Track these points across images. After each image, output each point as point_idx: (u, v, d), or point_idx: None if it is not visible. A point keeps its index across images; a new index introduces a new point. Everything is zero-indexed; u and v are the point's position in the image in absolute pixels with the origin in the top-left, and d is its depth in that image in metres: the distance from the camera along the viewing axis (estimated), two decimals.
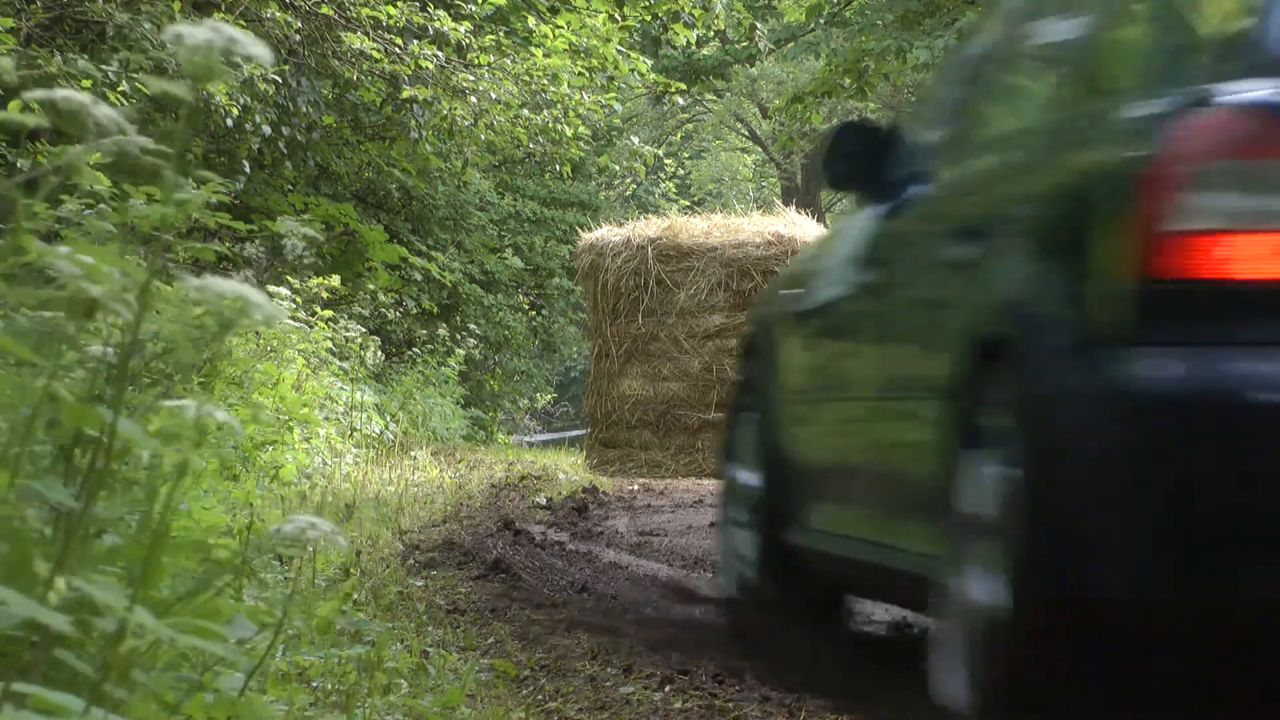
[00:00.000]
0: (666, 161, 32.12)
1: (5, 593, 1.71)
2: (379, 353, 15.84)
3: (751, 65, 22.26)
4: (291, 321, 10.05)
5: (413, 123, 14.07)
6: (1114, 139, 3.64)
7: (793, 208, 14.73)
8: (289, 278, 13.09)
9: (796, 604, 5.11)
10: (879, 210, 4.72)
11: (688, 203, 33.88)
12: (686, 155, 37.06)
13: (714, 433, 12.19)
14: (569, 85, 14.43)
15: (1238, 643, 3.37)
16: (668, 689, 4.27)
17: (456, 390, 18.92)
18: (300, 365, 10.73)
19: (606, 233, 13.56)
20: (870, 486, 4.54)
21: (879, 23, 18.26)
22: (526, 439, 25.60)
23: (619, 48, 15.42)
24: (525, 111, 14.32)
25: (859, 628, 5.38)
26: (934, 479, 3.85)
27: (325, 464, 9.79)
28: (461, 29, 13.33)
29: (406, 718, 3.54)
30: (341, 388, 12.08)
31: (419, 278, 17.97)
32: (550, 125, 14.63)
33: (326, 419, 10.90)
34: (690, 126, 35.22)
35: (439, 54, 13.30)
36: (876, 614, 5.39)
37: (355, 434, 11.83)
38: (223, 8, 11.60)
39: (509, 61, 14.02)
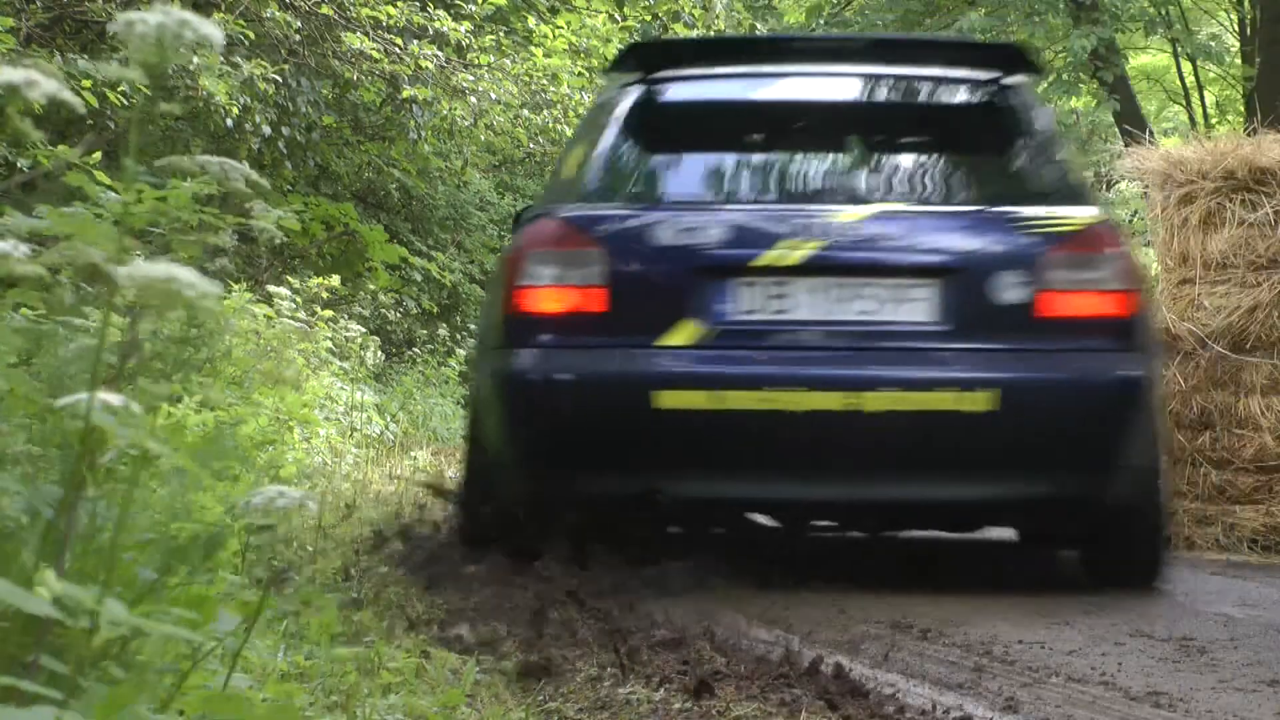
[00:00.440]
0: None
1: None
2: (379, 353, 15.82)
3: None
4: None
5: (412, 123, 14.06)
6: (516, 234, 6.45)
7: None
8: (289, 278, 13.07)
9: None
10: None
11: None
12: None
13: None
14: (569, 85, 14.42)
15: (573, 504, 5.94)
16: (668, 689, 4.26)
17: (457, 390, 18.91)
18: (300, 365, 10.72)
19: None
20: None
21: (879, 23, 18.24)
22: None
23: (619, 47, 15.42)
24: (525, 112, 14.32)
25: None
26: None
27: (326, 464, 9.78)
28: (461, 29, 13.32)
29: (406, 718, 3.54)
30: (341, 388, 12.07)
31: (419, 278, 17.96)
32: (550, 125, 14.62)
33: (326, 419, 10.89)
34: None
35: (439, 54, 13.29)
36: None
37: (355, 434, 11.81)
38: (223, 8, 11.59)
39: (509, 62, 14.01)
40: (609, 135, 6.44)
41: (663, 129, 6.58)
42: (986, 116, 6.46)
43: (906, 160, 6.51)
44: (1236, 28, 19.42)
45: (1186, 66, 19.41)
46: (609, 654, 4.73)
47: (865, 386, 5.73)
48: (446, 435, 16.62)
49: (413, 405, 16.40)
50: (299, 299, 11.84)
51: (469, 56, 13.94)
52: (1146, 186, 8.33)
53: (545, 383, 5.92)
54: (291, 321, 11.01)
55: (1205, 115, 19.50)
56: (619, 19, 15.72)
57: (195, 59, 11.05)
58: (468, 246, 20.77)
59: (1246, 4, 18.11)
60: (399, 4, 12.93)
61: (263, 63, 11.72)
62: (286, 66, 12.39)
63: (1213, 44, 19.65)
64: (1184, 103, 20.16)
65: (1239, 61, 18.52)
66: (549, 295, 5.95)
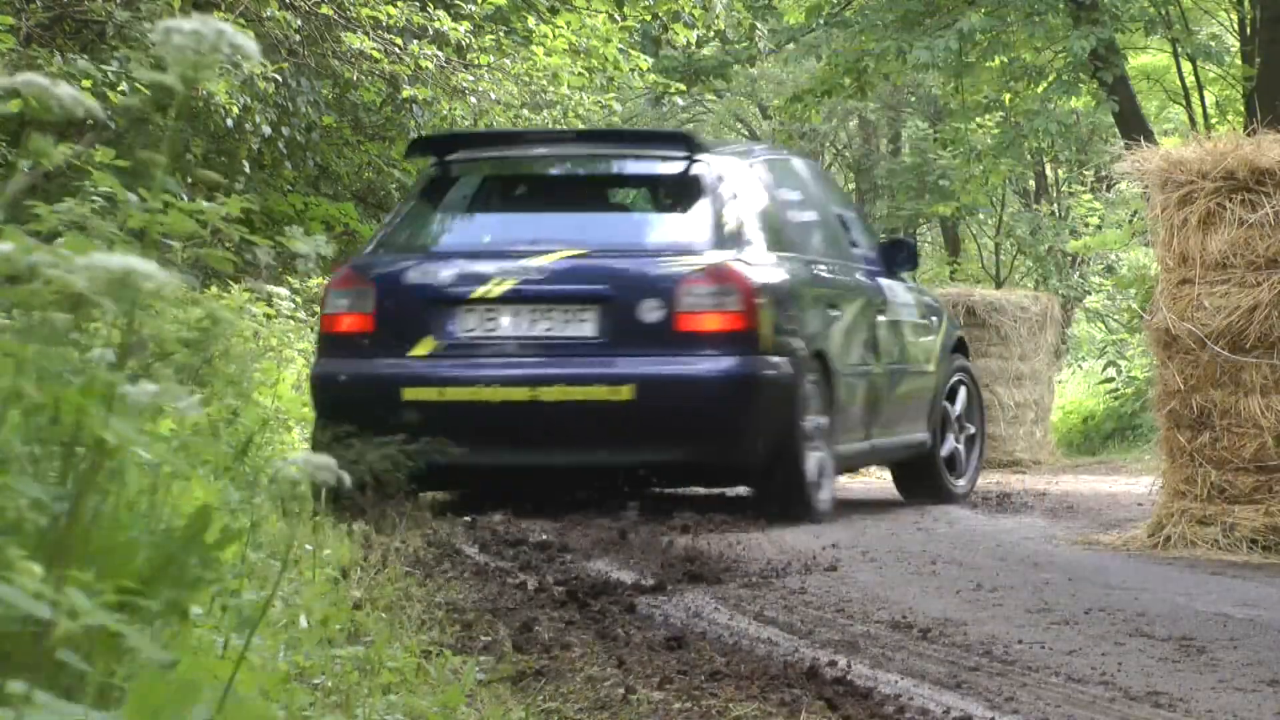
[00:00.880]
0: None
1: None
2: None
3: (751, 65, 22.23)
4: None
5: (412, 123, 14.05)
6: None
7: None
8: (289, 278, 13.07)
9: None
10: None
11: None
12: None
13: None
14: (569, 85, 14.42)
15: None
16: (668, 689, 4.26)
17: None
18: (301, 365, 10.72)
19: None
20: None
21: (879, 23, 18.24)
22: None
23: (619, 47, 15.41)
24: (525, 112, 14.32)
25: None
26: None
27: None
28: (461, 29, 13.31)
29: (406, 718, 3.54)
30: None
31: None
32: (551, 127, 14.61)
33: None
34: (690, 127, 35.19)
35: (439, 53, 13.29)
36: None
37: None
38: (222, 7, 11.59)
39: (509, 61, 14.01)
40: (405, 204, 9.07)
41: (439, 197, 8.96)
42: (662, 185, 8.86)
43: (596, 218, 8.88)
44: (1236, 28, 19.42)
45: (1186, 66, 19.40)
46: (608, 654, 4.73)
47: (542, 383, 7.99)
48: None
49: None
50: (299, 299, 11.84)
51: (469, 57, 13.93)
52: (1146, 187, 8.34)
53: (333, 381, 8.29)
54: (291, 320, 11.02)
55: (1205, 115, 19.50)
56: (619, 19, 15.71)
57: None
58: None
59: (1246, 4, 18.11)
60: (399, 4, 12.93)
61: (262, 61, 11.71)
62: (286, 66, 12.38)
63: (1213, 44, 19.64)
64: (1184, 103, 20.16)
65: (1239, 61, 18.52)
66: (339, 320, 8.34)
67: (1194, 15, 20.02)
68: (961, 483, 10.18)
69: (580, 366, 8.03)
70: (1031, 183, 26.67)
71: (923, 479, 9.97)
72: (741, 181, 8.66)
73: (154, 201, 2.01)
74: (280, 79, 12.05)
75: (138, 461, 1.99)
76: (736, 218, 8.43)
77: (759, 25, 19.37)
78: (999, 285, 24.30)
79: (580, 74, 14.65)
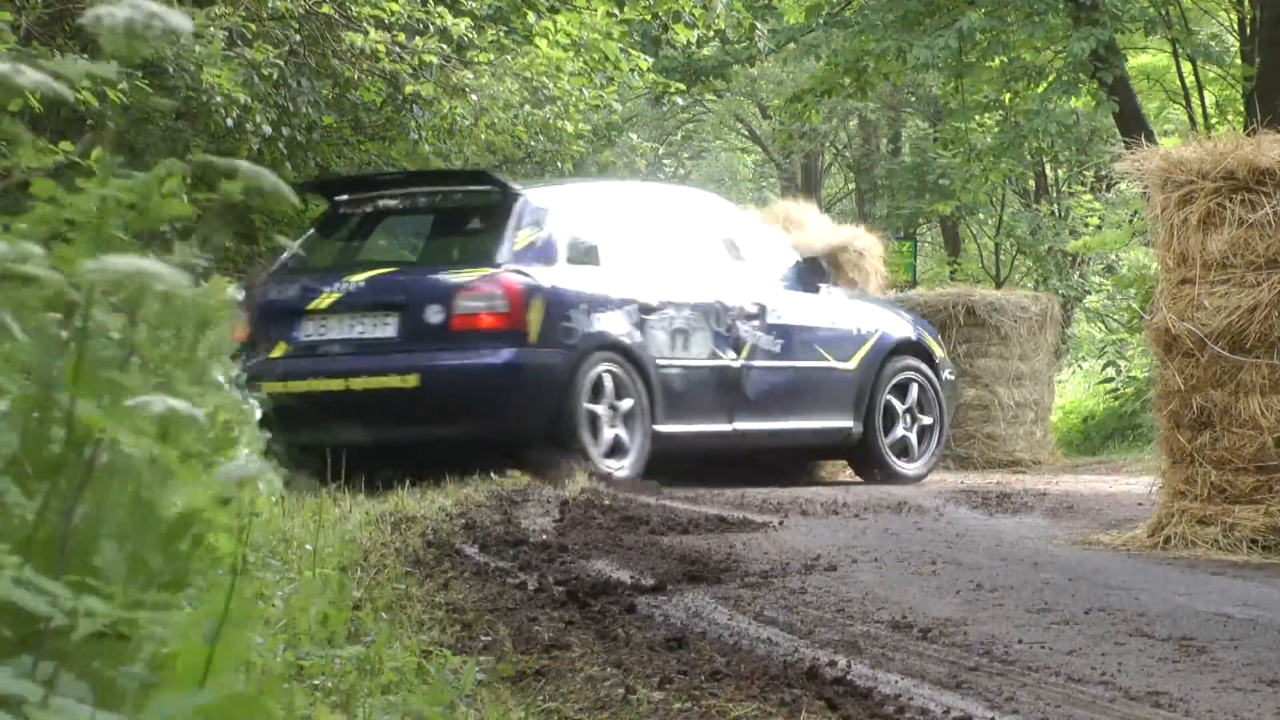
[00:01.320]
0: (666, 162, 32.10)
1: None
2: None
3: (751, 65, 22.23)
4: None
5: (413, 123, 14.05)
6: None
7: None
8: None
9: None
10: None
11: None
12: (686, 155, 37.03)
13: None
14: (569, 82, 14.42)
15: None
16: (668, 689, 4.26)
17: None
18: None
19: None
20: None
21: (879, 23, 18.23)
22: None
23: (620, 45, 15.41)
24: (527, 108, 14.33)
25: None
26: None
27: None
28: (463, 25, 13.31)
29: (406, 718, 3.54)
30: None
31: None
32: (552, 122, 14.63)
33: None
34: (690, 126, 35.18)
35: (444, 46, 13.31)
36: None
37: None
38: (222, 3, 11.59)
39: (509, 58, 14.02)
40: (305, 235, 10.97)
41: (322, 229, 10.95)
42: (475, 214, 10.61)
43: (417, 242, 11.06)
44: (1236, 28, 19.42)
45: (1186, 66, 19.40)
46: (608, 654, 4.73)
47: (352, 375, 9.76)
48: None
49: None
50: None
51: (469, 54, 13.93)
52: (1146, 187, 8.33)
53: None
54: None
55: (1205, 115, 19.50)
56: (618, 14, 15.71)
57: (198, 48, 11.04)
58: None
59: (1246, 4, 18.10)
60: (400, 1, 12.93)
61: (266, 46, 11.70)
62: (286, 65, 12.38)
63: (1213, 45, 19.63)
64: (1184, 103, 20.16)
65: (1239, 61, 18.51)
66: (233, 330, 10.63)
67: (1194, 15, 20.01)
68: (913, 467, 11.94)
69: (380, 361, 9.88)
70: (1031, 183, 26.66)
71: (871, 463, 11.83)
72: (545, 211, 10.44)
73: (102, 186, 2.00)
74: (281, 67, 12.05)
75: (134, 459, 1.99)
76: (529, 239, 10.24)
77: (759, 25, 19.36)
78: (999, 285, 24.30)
79: (581, 71, 14.65)
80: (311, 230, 11.11)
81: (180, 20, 1.90)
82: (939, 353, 12.31)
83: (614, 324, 10.31)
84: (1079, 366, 23.57)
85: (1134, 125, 17.14)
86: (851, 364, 11.64)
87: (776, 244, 11.96)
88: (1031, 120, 18.08)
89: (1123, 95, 17.84)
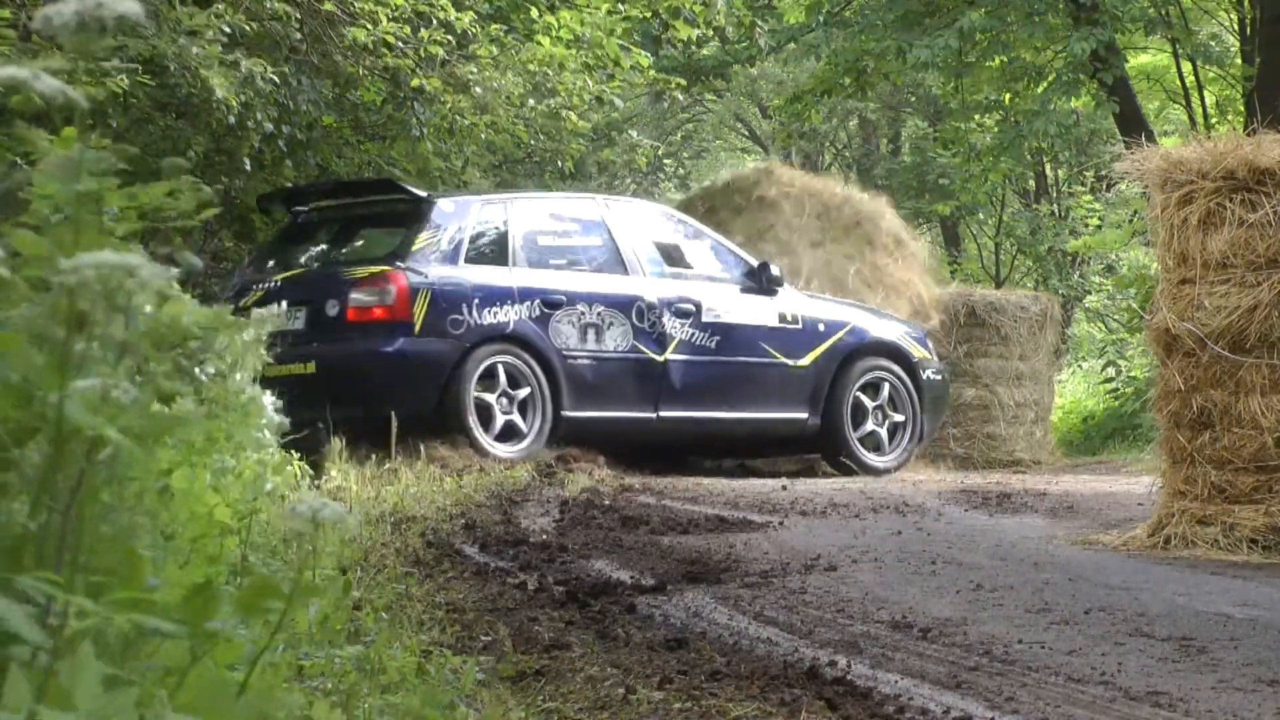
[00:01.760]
0: (666, 161, 32.09)
1: None
2: None
3: (751, 65, 22.22)
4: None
5: (414, 120, 14.05)
6: None
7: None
8: None
9: None
10: None
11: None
12: (687, 155, 37.03)
13: None
14: (571, 77, 14.43)
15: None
16: (668, 689, 4.26)
17: None
18: None
19: None
20: None
21: (879, 22, 18.23)
22: None
23: (620, 43, 15.40)
24: (530, 101, 14.34)
25: None
26: None
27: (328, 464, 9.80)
28: (466, 19, 13.32)
29: (406, 717, 3.53)
30: None
31: None
32: (555, 112, 14.64)
33: None
34: (690, 126, 35.18)
35: (450, 39, 13.31)
36: None
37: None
38: (221, 2, 11.58)
39: (512, 52, 14.02)
40: (268, 240, 12.43)
41: (281, 236, 12.16)
42: (389, 220, 11.68)
43: (334, 246, 11.82)
44: (1236, 28, 19.41)
45: (1186, 66, 19.38)
46: (608, 654, 4.73)
47: (266, 363, 11.05)
48: None
49: None
50: None
51: (471, 48, 13.93)
52: (1146, 187, 8.33)
53: None
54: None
55: (1205, 115, 19.48)
56: (621, 11, 15.71)
57: (195, 49, 11.03)
58: None
59: (1246, 4, 18.09)
60: None
61: (261, 60, 11.71)
62: (287, 69, 12.38)
63: (1213, 45, 19.61)
64: (1184, 103, 20.15)
65: (1239, 61, 18.50)
66: None
67: (1194, 15, 20.00)
68: (882, 460, 12.76)
69: (288, 351, 10.30)
70: (1031, 183, 26.65)
71: (840, 455, 12.69)
72: (451, 216, 11.50)
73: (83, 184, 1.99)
74: (277, 82, 12.05)
75: (138, 463, 1.99)
76: (428, 241, 11.28)
77: (759, 24, 19.35)
78: (999, 285, 24.30)
79: (583, 67, 14.65)
80: (275, 235, 12.47)
81: (129, 5, 1.89)
82: (918, 354, 13.13)
83: (510, 317, 11.34)
84: (1079, 366, 23.56)
85: (1134, 125, 17.13)
86: (804, 361, 12.60)
87: (729, 250, 12.91)
88: (1032, 122, 18.08)
89: (1123, 95, 17.84)
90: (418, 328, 10.99)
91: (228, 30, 11.40)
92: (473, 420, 11.05)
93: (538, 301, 11.53)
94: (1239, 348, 7.94)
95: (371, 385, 10.72)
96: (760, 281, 12.62)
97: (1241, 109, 18.82)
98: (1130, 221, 23.39)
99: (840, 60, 18.62)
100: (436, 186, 19.26)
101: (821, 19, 18.92)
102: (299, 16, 12.39)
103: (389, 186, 12.16)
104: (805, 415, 12.60)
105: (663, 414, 12.04)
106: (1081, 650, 5.00)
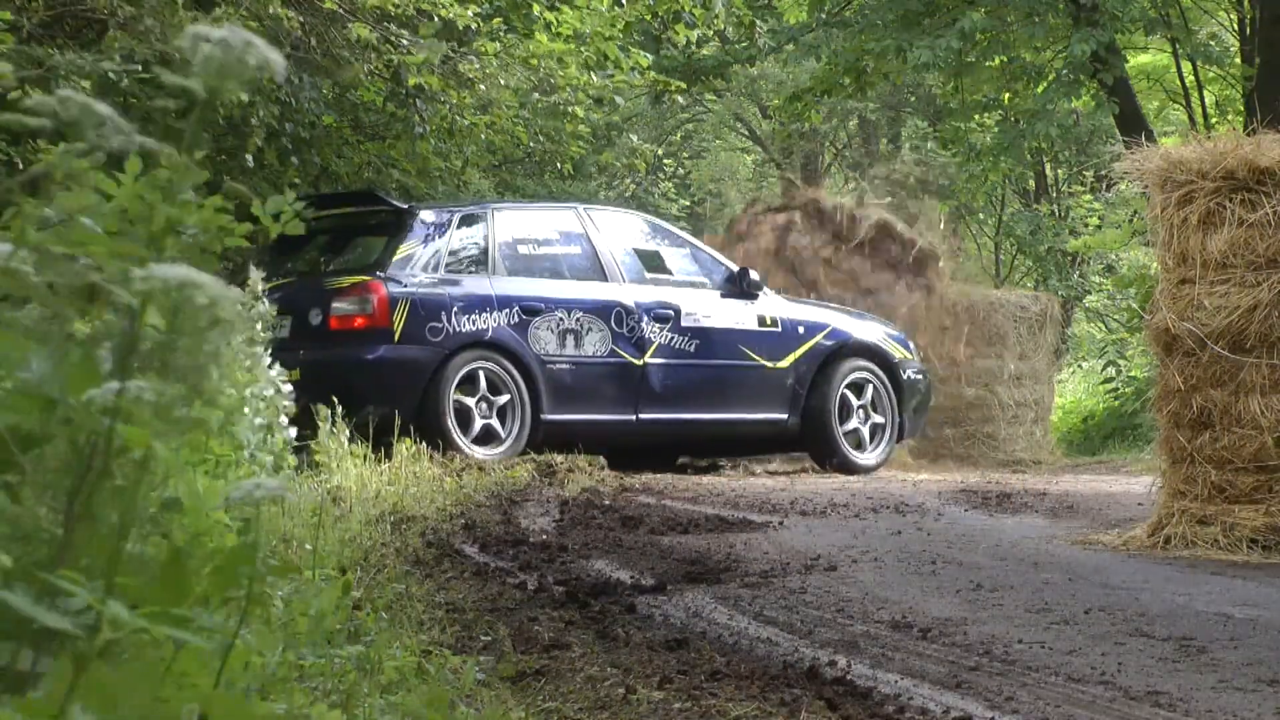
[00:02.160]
0: (666, 161, 32.12)
1: (6, 594, 1.70)
2: None
3: (751, 65, 22.22)
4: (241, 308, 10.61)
5: (416, 117, 14.06)
6: None
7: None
8: None
9: None
10: None
11: (687, 202, 33.84)
12: (686, 155, 37.03)
13: None
14: (574, 68, 14.44)
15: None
16: (668, 689, 4.26)
17: None
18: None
19: None
20: None
21: (879, 22, 18.22)
22: None
23: (620, 45, 15.40)
24: (535, 95, 14.35)
25: None
26: None
27: (326, 462, 9.79)
28: (469, 13, 13.32)
29: (406, 717, 3.54)
30: None
31: None
32: (557, 108, 14.64)
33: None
34: (690, 126, 35.17)
35: (453, 47, 13.31)
36: None
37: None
38: (222, 4, 11.58)
39: (513, 50, 14.03)
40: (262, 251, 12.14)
41: (275, 245, 11.60)
42: (372, 230, 11.97)
43: (320, 254, 12.04)
44: (1236, 28, 19.40)
45: (1186, 66, 19.38)
46: (608, 654, 4.73)
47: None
48: None
49: None
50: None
51: (475, 44, 13.93)
52: (1146, 186, 8.33)
53: None
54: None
55: (1205, 115, 19.48)
56: (622, 5, 15.70)
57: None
58: None
59: (1246, 4, 18.09)
60: None
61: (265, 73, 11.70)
62: (289, 67, 12.38)
63: (1213, 45, 19.59)
64: (1184, 103, 20.14)
65: (1239, 61, 18.50)
66: None
67: (1194, 15, 20.00)
68: (866, 457, 13.12)
69: (283, 357, 10.61)
70: (1031, 183, 26.65)
71: (826, 452, 13.01)
72: (433, 226, 11.83)
73: (131, 190, 1.99)
74: (278, 85, 12.07)
75: (154, 465, 1.99)
76: (410, 251, 11.63)
77: (759, 24, 19.35)
78: (999, 285, 24.30)
79: (583, 64, 14.66)
80: (265, 247, 12.78)
81: (274, 55, 1.90)
82: (898, 355, 13.50)
83: (489, 325, 11.69)
84: (1079, 366, 23.56)
85: (1134, 125, 17.12)
86: (784, 363, 12.97)
87: (709, 256, 13.29)
88: (1033, 123, 18.07)
89: (1123, 95, 17.83)
90: (397, 336, 11.36)
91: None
92: (451, 424, 11.39)
93: (516, 309, 11.89)
94: (1239, 348, 7.94)
95: (353, 392, 10.97)
96: (740, 286, 12.99)
97: (1241, 109, 18.82)
98: (1130, 221, 23.37)
99: (840, 60, 18.61)
100: (436, 187, 19.29)
101: (822, 19, 18.92)
102: (302, 20, 12.39)
103: (371, 198, 12.43)
104: (784, 416, 12.96)
105: (642, 416, 12.38)
106: (1081, 650, 5.01)
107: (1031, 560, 7.30)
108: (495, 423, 11.59)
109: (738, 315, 12.93)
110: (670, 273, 12.91)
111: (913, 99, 30.17)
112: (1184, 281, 8.08)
